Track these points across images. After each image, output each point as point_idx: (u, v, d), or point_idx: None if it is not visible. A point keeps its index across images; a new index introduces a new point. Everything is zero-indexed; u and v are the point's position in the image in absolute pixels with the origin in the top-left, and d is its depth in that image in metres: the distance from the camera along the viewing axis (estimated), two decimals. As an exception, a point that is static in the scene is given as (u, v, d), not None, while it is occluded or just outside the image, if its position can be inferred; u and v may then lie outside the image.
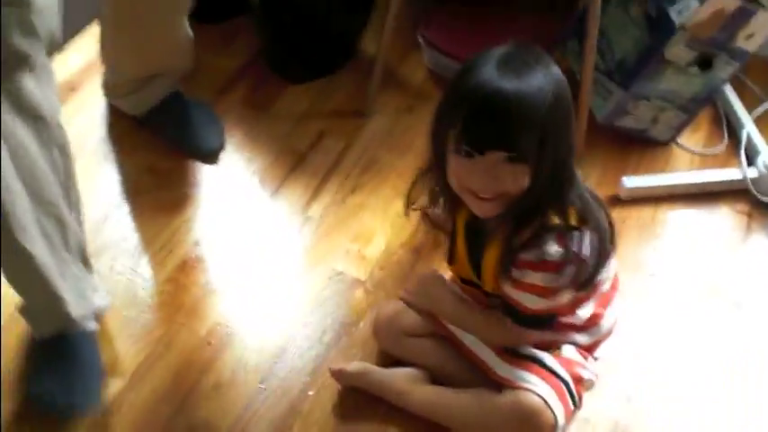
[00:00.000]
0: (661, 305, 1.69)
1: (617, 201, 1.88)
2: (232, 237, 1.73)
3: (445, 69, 2.06)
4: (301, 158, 1.89)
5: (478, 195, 1.25)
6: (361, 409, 1.48)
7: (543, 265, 1.26)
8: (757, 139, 1.98)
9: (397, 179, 1.84)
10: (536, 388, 1.35)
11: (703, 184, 1.93)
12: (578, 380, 1.40)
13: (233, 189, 1.82)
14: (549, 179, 1.24)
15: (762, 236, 1.86)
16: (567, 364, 1.40)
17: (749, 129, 2.00)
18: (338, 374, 1.49)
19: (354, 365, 1.50)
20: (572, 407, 1.38)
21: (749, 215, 1.89)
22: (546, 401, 1.34)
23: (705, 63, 1.87)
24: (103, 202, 1.75)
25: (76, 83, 1.97)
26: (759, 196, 1.89)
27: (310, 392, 1.49)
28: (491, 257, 1.33)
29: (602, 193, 1.81)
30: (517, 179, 1.22)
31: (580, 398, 1.41)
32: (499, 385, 1.39)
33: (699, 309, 1.70)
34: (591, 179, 1.89)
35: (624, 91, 1.91)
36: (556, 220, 1.25)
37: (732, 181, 1.92)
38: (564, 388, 1.37)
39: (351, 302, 1.64)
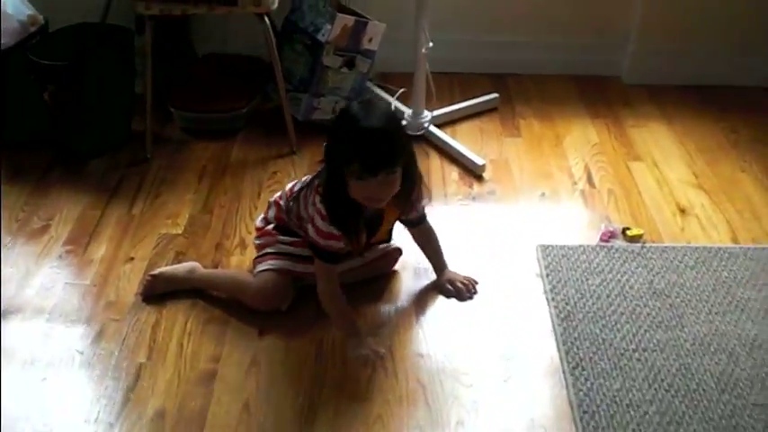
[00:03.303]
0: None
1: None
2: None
3: (190, 122, 3.04)
4: (114, 190, 2.75)
5: (374, 198, 1.97)
6: None
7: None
8: (401, 106, 3.07)
9: (182, 184, 2.77)
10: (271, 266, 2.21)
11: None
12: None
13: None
14: (411, 169, 2.02)
15: (419, 153, 2.91)
16: None
17: (395, 104, 3.09)
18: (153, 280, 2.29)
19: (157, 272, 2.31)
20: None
21: (410, 146, 2.95)
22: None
23: (350, 64, 2.95)
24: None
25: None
26: (410, 132, 2.95)
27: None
28: (386, 224, 2.18)
29: (315, 159, 2.81)
30: (396, 182, 1.95)
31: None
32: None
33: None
34: (307, 155, 2.89)
35: (307, 94, 2.96)
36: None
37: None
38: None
39: (174, 249, 2.48)
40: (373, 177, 1.90)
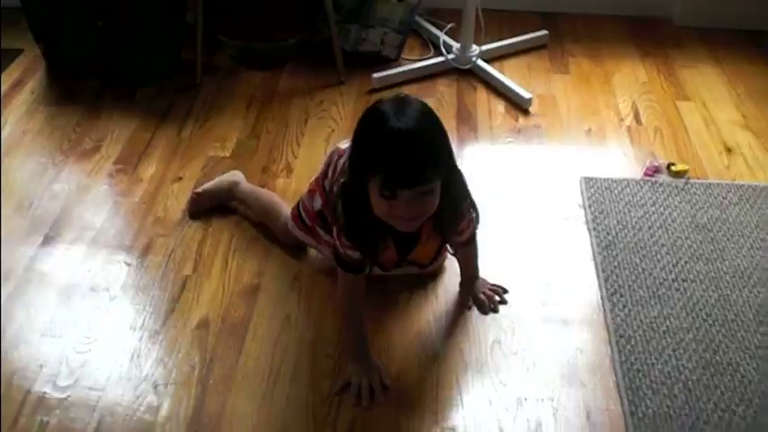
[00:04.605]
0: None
1: (374, 90, 2.89)
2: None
3: (239, 51, 3.07)
4: (164, 114, 2.80)
5: (403, 218, 1.62)
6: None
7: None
8: (450, 41, 3.08)
9: (230, 110, 2.80)
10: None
11: (426, 67, 2.99)
12: None
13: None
14: (453, 188, 1.68)
15: (465, 87, 2.93)
16: None
17: (443, 38, 3.09)
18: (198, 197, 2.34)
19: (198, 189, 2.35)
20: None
21: (457, 79, 2.96)
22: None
23: (404, -6, 2.97)
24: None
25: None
26: (458, 66, 2.97)
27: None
28: (426, 247, 1.91)
29: (362, 90, 2.87)
30: (431, 201, 1.60)
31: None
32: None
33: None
34: (354, 86, 2.91)
35: (356, 24, 2.97)
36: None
37: (442, 62, 2.99)
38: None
39: (222, 170, 2.52)
40: (404, 191, 1.56)
